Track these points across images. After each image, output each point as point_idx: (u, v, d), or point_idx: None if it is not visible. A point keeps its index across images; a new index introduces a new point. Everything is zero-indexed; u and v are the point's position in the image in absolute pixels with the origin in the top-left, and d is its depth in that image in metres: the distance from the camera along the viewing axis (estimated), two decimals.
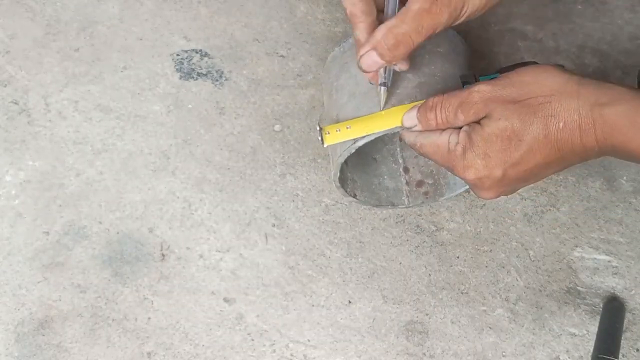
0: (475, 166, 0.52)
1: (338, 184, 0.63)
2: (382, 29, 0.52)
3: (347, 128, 0.57)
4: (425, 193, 0.70)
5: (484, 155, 0.51)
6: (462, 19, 0.53)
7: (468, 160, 0.52)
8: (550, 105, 0.49)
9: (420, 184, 0.70)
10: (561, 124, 0.49)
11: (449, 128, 0.53)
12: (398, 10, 0.52)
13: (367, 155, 0.70)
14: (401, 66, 0.56)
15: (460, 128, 0.53)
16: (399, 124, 0.56)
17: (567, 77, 0.50)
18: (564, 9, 0.78)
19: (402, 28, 0.51)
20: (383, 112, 0.57)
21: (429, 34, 0.51)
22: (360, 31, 0.54)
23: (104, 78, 0.77)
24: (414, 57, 0.58)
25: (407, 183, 0.70)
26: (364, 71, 0.54)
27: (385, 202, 0.68)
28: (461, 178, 0.53)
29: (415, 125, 0.55)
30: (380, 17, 0.54)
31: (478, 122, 0.51)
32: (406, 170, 0.70)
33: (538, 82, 0.50)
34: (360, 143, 0.57)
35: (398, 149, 0.71)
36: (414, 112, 0.55)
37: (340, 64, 0.62)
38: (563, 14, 0.78)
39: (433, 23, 0.51)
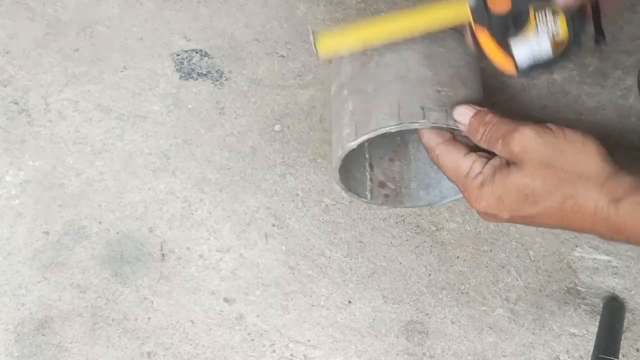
0: (487, 201, 0.52)
1: (337, 172, 0.63)
2: None
3: (342, 35, 0.55)
4: (386, 195, 0.69)
5: (499, 197, 0.52)
6: None
7: (483, 194, 0.52)
8: (574, 186, 0.50)
9: (382, 185, 0.70)
10: (577, 208, 0.50)
11: (474, 152, 0.54)
12: None
13: None
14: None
15: (485, 153, 0.54)
16: (397, 34, 0.54)
17: (602, 167, 0.50)
18: None
19: None
20: (381, 19, 0.55)
21: None
22: None
23: (104, 78, 0.77)
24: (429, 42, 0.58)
25: (371, 180, 0.69)
26: None
27: (353, 190, 0.67)
28: (467, 202, 0.54)
29: (465, 125, 0.55)
30: None
31: (508, 163, 0.52)
32: (371, 166, 0.70)
33: (575, 158, 0.50)
34: (364, 138, 0.56)
35: (366, 143, 0.70)
36: (470, 112, 0.55)
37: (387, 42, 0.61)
38: None
39: None
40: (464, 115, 0.55)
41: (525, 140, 0.51)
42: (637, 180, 0.50)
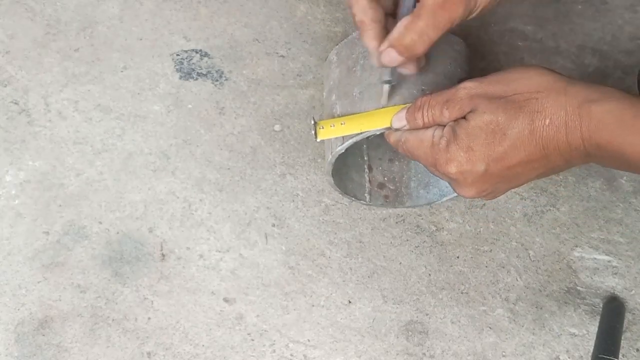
0: (458, 159, 0.51)
1: (330, 176, 0.63)
2: (399, 27, 0.52)
3: (341, 124, 0.58)
4: (386, 196, 0.70)
5: (467, 148, 0.51)
6: (477, 12, 0.52)
7: (451, 153, 0.51)
8: (537, 101, 0.49)
9: (381, 186, 0.70)
10: (547, 120, 0.48)
11: (434, 125, 0.54)
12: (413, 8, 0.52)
13: None
14: (409, 68, 0.56)
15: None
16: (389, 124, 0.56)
17: (556, 75, 0.50)
18: (564, 9, 0.78)
19: (419, 25, 0.51)
20: (380, 111, 0.57)
21: (446, 28, 0.51)
22: (370, 38, 0.54)
23: (104, 78, 0.77)
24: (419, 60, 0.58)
25: (370, 181, 0.70)
26: (385, 66, 0.54)
27: (351, 194, 0.68)
28: (443, 173, 0.53)
29: (404, 126, 0.55)
30: (388, 22, 0.54)
31: (464, 117, 0.51)
32: (370, 168, 0.70)
33: (525, 79, 0.50)
34: (349, 142, 0.57)
35: (365, 145, 0.71)
36: (403, 113, 0.55)
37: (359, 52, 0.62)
38: (563, 14, 0.78)
39: (449, 17, 0.51)
40: (399, 120, 0.55)
41: (471, 90, 0.51)
42: (605, 88, 0.48)
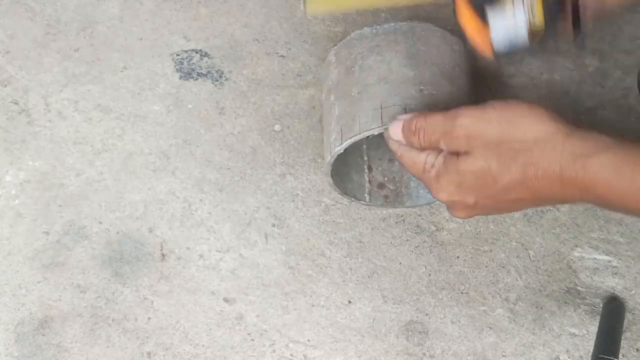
0: (447, 190, 0.52)
1: (330, 177, 0.64)
2: None
3: None
4: (386, 197, 0.70)
5: (458, 184, 0.51)
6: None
7: (442, 184, 0.52)
8: (532, 153, 0.48)
9: (381, 186, 0.70)
10: (540, 173, 0.48)
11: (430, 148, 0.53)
12: None
13: None
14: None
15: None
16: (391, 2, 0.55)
17: (555, 127, 0.48)
18: None
19: None
20: None
21: None
22: None
23: (104, 78, 0.77)
24: (414, 54, 0.59)
25: (369, 182, 0.70)
26: None
27: (350, 194, 0.68)
28: (433, 197, 0.54)
29: (402, 141, 0.55)
30: None
31: (457, 153, 0.51)
32: (370, 168, 0.70)
33: (524, 125, 0.49)
34: (348, 142, 0.57)
35: (364, 145, 0.71)
36: (399, 127, 0.54)
37: (371, 45, 0.61)
38: None
39: None
40: (396, 134, 0.55)
41: (467, 130, 0.50)
42: (602, 138, 0.48)
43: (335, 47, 0.64)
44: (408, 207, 0.70)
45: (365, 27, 0.62)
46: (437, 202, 0.69)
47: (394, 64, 0.60)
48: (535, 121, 0.49)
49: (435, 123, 0.52)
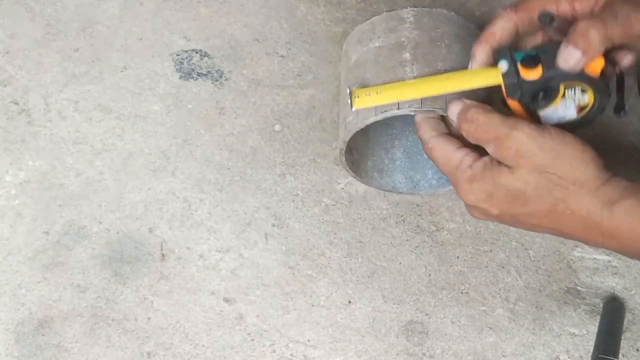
0: (476, 196, 0.52)
1: (343, 158, 0.63)
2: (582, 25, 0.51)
3: (377, 93, 0.57)
4: (352, 162, 0.67)
5: (489, 194, 0.51)
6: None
7: (473, 188, 0.52)
8: (567, 192, 0.49)
9: (349, 150, 0.67)
10: (568, 212, 0.49)
11: (467, 147, 0.53)
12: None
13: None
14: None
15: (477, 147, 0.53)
16: (428, 94, 0.55)
17: (597, 174, 0.49)
18: None
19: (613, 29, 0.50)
20: (414, 81, 0.56)
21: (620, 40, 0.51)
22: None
23: (104, 78, 0.77)
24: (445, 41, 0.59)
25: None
26: (567, 69, 0.52)
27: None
28: (457, 193, 0.54)
29: (454, 121, 0.55)
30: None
31: (499, 162, 0.51)
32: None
33: (572, 163, 0.50)
34: (374, 119, 0.57)
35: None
36: (458, 109, 0.54)
37: (457, 32, 0.61)
38: None
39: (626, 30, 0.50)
40: (453, 113, 0.55)
41: (520, 145, 0.50)
42: (631, 185, 0.49)
43: (415, 9, 0.62)
44: (364, 184, 0.69)
45: (452, 11, 0.62)
46: (388, 191, 0.69)
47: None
48: (582, 164, 0.50)
49: (492, 123, 0.52)
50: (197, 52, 0.78)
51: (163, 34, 0.78)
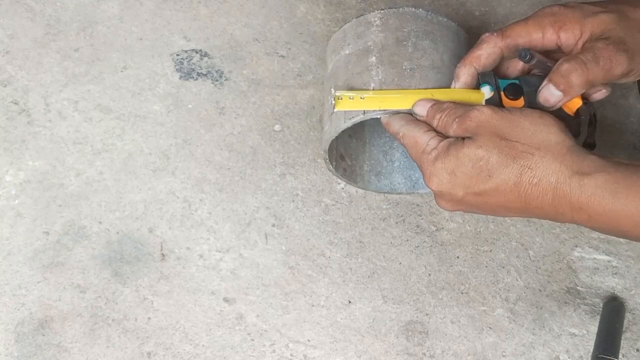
0: (439, 177, 0.52)
1: (326, 157, 0.63)
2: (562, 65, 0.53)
3: (361, 98, 0.58)
4: (344, 169, 0.68)
5: (451, 171, 0.51)
6: (635, 77, 0.54)
7: (436, 169, 0.52)
8: (532, 157, 0.49)
9: (342, 157, 0.68)
10: (535, 180, 0.49)
11: (433, 130, 0.54)
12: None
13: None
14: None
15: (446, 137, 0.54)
16: (410, 107, 0.56)
17: (561, 138, 0.50)
18: None
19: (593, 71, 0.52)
20: (400, 92, 0.57)
21: (603, 81, 0.53)
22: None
23: (104, 78, 0.77)
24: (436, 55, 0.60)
25: (336, 149, 0.67)
26: (547, 106, 0.54)
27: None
28: (425, 183, 0.54)
29: (423, 116, 0.55)
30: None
31: (463, 139, 0.52)
32: (336, 137, 0.65)
33: (533, 131, 0.50)
34: (358, 119, 0.58)
35: None
36: (429, 105, 0.55)
37: (426, 29, 0.62)
38: None
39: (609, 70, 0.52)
40: (421, 108, 0.55)
41: (482, 116, 0.51)
42: (601, 160, 0.48)
43: (382, 11, 0.63)
44: (360, 188, 0.70)
45: (420, 9, 0.62)
46: (386, 193, 0.69)
47: (445, 57, 0.60)
48: (543, 129, 0.50)
49: (459, 107, 0.53)
50: (197, 52, 0.78)
51: (163, 34, 0.78)
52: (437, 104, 0.55)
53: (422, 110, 0.55)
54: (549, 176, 0.48)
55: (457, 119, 0.52)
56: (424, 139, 0.54)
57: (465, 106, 0.53)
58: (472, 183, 0.51)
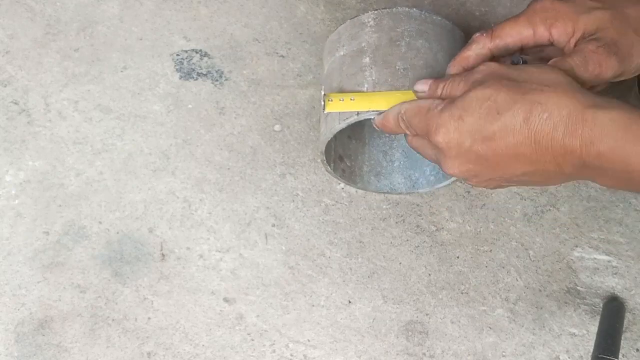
0: (447, 126, 0.50)
1: (323, 156, 0.64)
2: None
3: (350, 99, 0.58)
4: (343, 170, 0.68)
5: (459, 117, 0.49)
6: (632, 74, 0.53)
7: (443, 118, 0.50)
8: (542, 93, 0.47)
9: (340, 158, 0.68)
10: (545, 115, 0.46)
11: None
12: None
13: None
14: None
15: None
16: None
17: (570, 80, 0.49)
18: None
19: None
20: (389, 93, 0.58)
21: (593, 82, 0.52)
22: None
23: (104, 78, 0.77)
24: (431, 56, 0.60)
25: (334, 150, 0.68)
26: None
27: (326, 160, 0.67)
28: (431, 142, 0.52)
29: (424, 92, 0.55)
30: None
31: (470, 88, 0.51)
32: (335, 137, 0.65)
33: (540, 72, 0.49)
34: (353, 120, 0.58)
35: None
36: (430, 80, 0.55)
37: (420, 28, 0.62)
38: None
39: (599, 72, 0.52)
40: (424, 83, 0.55)
41: (489, 68, 0.50)
42: (614, 100, 0.47)
43: (376, 12, 0.63)
44: (360, 188, 0.70)
45: (414, 8, 0.62)
46: (386, 193, 0.70)
47: (440, 56, 0.60)
48: (550, 71, 0.49)
49: (460, 75, 0.53)
50: (197, 52, 0.78)
51: (163, 34, 0.78)
52: (437, 79, 0.55)
53: (423, 86, 0.55)
54: (560, 109, 0.46)
55: (462, 80, 0.51)
56: (428, 101, 0.53)
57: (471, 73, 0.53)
58: (480, 125, 0.48)
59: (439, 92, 0.53)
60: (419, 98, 0.55)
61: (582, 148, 0.46)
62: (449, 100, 0.51)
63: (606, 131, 0.45)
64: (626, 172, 0.46)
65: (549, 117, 0.46)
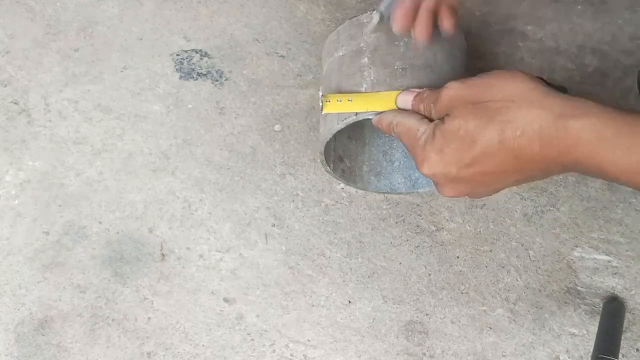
0: (430, 160, 0.51)
1: (322, 156, 0.64)
2: None
3: (348, 100, 0.58)
4: (343, 171, 0.68)
5: (439, 150, 0.51)
6: None
7: (426, 152, 0.52)
8: (508, 110, 0.48)
9: (340, 159, 0.69)
10: (518, 132, 0.47)
11: (424, 116, 0.54)
12: None
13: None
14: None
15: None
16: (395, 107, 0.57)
17: (534, 85, 0.48)
18: (564, 9, 0.78)
19: None
20: (386, 94, 0.58)
21: None
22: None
23: (104, 78, 0.77)
24: (423, 55, 0.60)
25: (334, 150, 0.68)
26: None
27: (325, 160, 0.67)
28: (419, 170, 0.53)
29: (407, 108, 0.56)
30: None
31: (443, 118, 0.52)
32: (334, 138, 0.65)
33: (501, 85, 0.49)
34: (351, 120, 0.58)
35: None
36: (411, 97, 0.56)
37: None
38: (563, 13, 0.78)
39: None
40: (404, 102, 0.56)
41: (450, 91, 0.51)
42: (585, 102, 0.47)
43: (375, 12, 0.63)
44: (360, 189, 0.70)
45: None
46: (386, 193, 0.70)
47: (439, 56, 0.60)
48: (511, 81, 0.49)
49: (436, 91, 0.53)
50: (197, 52, 0.78)
51: (163, 34, 0.78)
52: (418, 95, 0.55)
53: (406, 105, 0.56)
54: (531, 124, 0.47)
55: (433, 104, 0.53)
56: (415, 125, 0.54)
57: (438, 89, 0.53)
58: (460, 155, 0.50)
59: (421, 111, 0.55)
60: (405, 108, 0.56)
61: (561, 156, 0.47)
62: (430, 133, 0.52)
63: (580, 141, 0.46)
64: (604, 176, 0.47)
65: (522, 134, 0.47)
